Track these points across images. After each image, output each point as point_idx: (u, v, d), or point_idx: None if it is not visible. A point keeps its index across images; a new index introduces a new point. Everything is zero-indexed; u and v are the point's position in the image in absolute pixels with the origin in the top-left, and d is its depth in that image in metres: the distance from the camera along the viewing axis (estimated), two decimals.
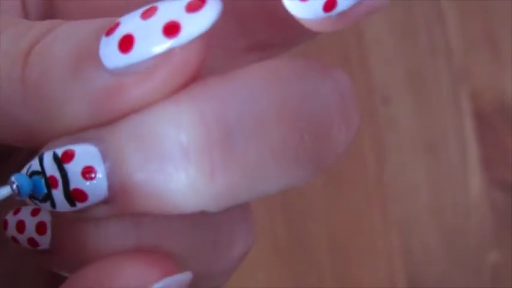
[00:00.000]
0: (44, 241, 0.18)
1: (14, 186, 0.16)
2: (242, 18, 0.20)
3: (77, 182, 0.16)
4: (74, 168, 0.16)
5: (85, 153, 0.16)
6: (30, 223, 0.18)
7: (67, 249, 0.18)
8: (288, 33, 0.20)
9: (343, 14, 0.16)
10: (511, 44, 0.63)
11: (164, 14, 0.16)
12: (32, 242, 0.18)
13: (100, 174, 0.16)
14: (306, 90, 0.17)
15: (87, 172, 0.16)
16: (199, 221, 0.18)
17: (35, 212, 0.18)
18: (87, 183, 0.16)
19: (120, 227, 0.17)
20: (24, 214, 0.18)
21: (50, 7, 0.20)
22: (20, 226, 0.18)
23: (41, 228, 0.18)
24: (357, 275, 0.59)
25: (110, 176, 0.16)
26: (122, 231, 0.17)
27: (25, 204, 0.18)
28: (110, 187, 0.16)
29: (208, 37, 0.16)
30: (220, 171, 0.16)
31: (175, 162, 0.16)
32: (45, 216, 0.18)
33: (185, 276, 0.17)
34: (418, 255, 0.60)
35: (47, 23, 0.17)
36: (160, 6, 0.16)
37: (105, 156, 0.16)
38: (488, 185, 0.61)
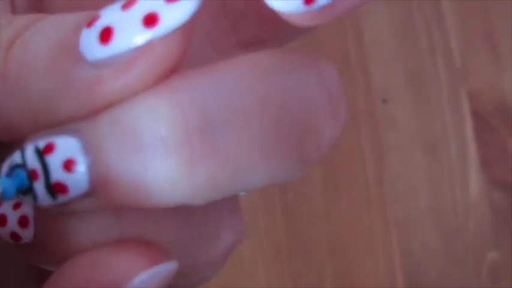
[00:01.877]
0: (27, 235, 0.18)
1: (5, 182, 0.16)
2: (232, 15, 0.20)
3: (58, 174, 0.16)
4: (54, 161, 0.16)
5: (66, 146, 0.16)
6: (12, 217, 0.18)
7: (50, 243, 0.18)
8: (279, 28, 0.20)
9: (325, 7, 0.16)
10: (510, 44, 0.63)
11: (143, 6, 0.16)
12: (14, 235, 0.18)
13: (81, 167, 0.16)
14: (291, 83, 0.17)
15: (68, 164, 0.16)
16: (184, 214, 0.18)
17: (16, 206, 0.18)
18: (68, 175, 0.16)
19: (103, 221, 0.17)
20: (6, 208, 0.18)
21: (39, 4, 0.20)
22: (2, 220, 0.18)
23: (23, 221, 0.18)
24: (356, 275, 0.59)
25: (91, 168, 0.16)
26: (104, 225, 0.17)
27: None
28: (91, 180, 0.16)
29: (188, 28, 0.16)
30: (200, 163, 0.16)
31: (155, 153, 0.16)
32: (27, 210, 0.18)
33: (171, 265, 0.17)
34: (418, 255, 0.60)
35: (27, 17, 0.17)
36: None
37: (86, 149, 0.16)
38: (488, 185, 0.61)
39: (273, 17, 0.18)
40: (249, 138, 0.16)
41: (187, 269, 0.18)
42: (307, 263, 0.59)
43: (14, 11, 0.20)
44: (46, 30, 0.17)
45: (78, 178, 0.16)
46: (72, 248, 0.17)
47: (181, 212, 0.18)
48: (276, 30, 0.19)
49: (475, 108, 0.62)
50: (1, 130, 0.17)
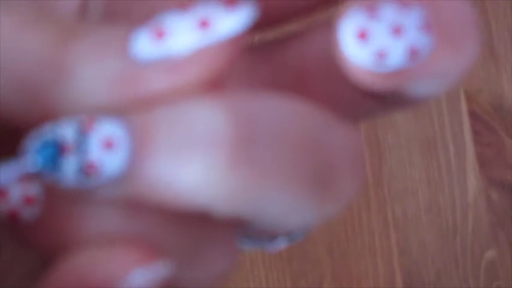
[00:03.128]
0: (30, 214, 0.18)
1: (32, 159, 0.16)
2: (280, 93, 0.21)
3: (94, 155, 0.16)
4: (93, 141, 0.16)
5: (107, 128, 0.16)
6: (16, 195, 0.18)
7: (55, 227, 0.18)
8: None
9: (396, 72, 0.17)
10: (508, 45, 0.63)
11: (200, 11, 0.16)
12: (14, 215, 0.18)
13: (120, 150, 0.16)
14: (323, 131, 0.18)
15: (109, 144, 0.16)
16: (192, 225, 0.18)
17: (24, 183, 0.18)
18: (107, 156, 0.16)
19: (116, 214, 0.18)
20: (10, 184, 0.18)
21: (112, 9, 0.20)
22: (3, 194, 0.18)
23: (29, 201, 0.18)
24: (356, 274, 0.60)
25: (130, 155, 0.16)
26: (117, 218, 0.18)
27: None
28: (127, 166, 0.16)
29: (241, 40, 0.16)
30: (238, 167, 0.16)
31: (203, 150, 0.16)
32: (34, 190, 0.18)
33: (167, 268, 0.17)
34: (416, 254, 0.61)
35: (88, 25, 0.18)
36: (198, 3, 0.17)
37: (128, 135, 0.16)
38: (486, 185, 0.62)
39: (316, 100, 0.19)
40: (281, 160, 0.17)
41: (176, 281, 0.18)
42: (307, 263, 0.59)
43: (83, 12, 0.20)
44: (100, 27, 0.17)
45: (115, 161, 0.16)
46: (78, 234, 0.17)
47: (190, 224, 0.18)
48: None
49: (472, 109, 0.63)
50: (41, 117, 0.17)
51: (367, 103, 0.18)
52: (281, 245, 0.22)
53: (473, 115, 0.62)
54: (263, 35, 0.20)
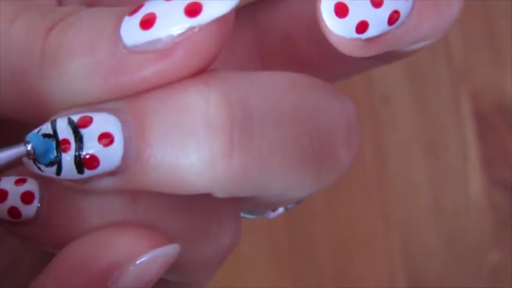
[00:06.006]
0: (29, 212, 0.18)
1: (29, 146, 0.16)
2: (265, 55, 0.21)
3: (91, 147, 0.16)
4: (90, 133, 0.16)
5: (103, 120, 0.16)
6: (15, 192, 0.18)
7: (56, 221, 0.18)
8: (308, 73, 0.21)
9: (370, 39, 0.17)
10: (511, 44, 0.63)
11: None
12: (13, 212, 0.18)
13: (117, 141, 0.16)
14: (319, 104, 0.18)
15: (104, 137, 0.16)
16: (194, 207, 0.18)
17: (20, 181, 0.18)
18: (102, 149, 0.16)
19: (118, 202, 0.18)
20: (7, 183, 0.18)
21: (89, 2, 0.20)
22: (2, 195, 0.18)
23: (27, 197, 0.18)
24: (357, 275, 0.59)
25: (127, 144, 0.16)
26: (119, 206, 0.18)
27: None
28: (125, 156, 0.16)
29: (228, 22, 0.16)
30: (237, 151, 0.16)
31: (200, 135, 0.16)
32: (32, 186, 0.18)
33: (173, 249, 0.17)
34: (418, 255, 0.60)
35: (70, 7, 0.18)
36: None
37: (124, 125, 0.16)
38: (488, 185, 0.61)
39: (303, 60, 0.19)
40: (279, 140, 0.17)
41: (185, 263, 0.18)
42: (307, 263, 0.59)
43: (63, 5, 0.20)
44: (89, 16, 0.17)
45: (112, 152, 0.16)
46: (80, 227, 0.17)
47: (193, 205, 0.18)
48: (304, 73, 0.20)
49: (475, 108, 0.62)
50: (33, 109, 0.17)
51: (355, 60, 0.18)
52: (280, 212, 0.22)
53: (476, 115, 0.62)
54: None
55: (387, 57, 0.19)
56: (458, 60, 0.63)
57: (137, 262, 0.17)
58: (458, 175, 0.62)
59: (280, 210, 0.22)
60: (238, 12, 0.19)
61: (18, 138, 0.17)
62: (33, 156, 0.16)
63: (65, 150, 0.16)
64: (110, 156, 0.16)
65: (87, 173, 0.17)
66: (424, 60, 0.63)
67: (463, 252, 0.61)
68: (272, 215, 0.22)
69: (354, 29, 0.17)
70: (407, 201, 0.61)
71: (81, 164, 0.16)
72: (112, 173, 0.17)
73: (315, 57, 0.20)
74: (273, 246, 0.59)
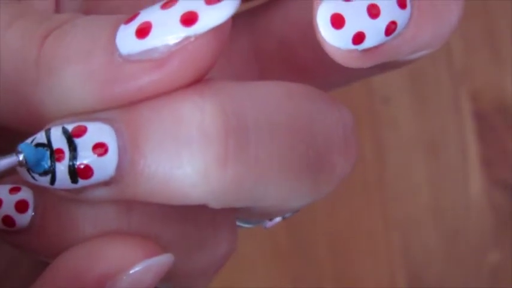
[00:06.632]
0: (23, 220, 0.18)
1: (21, 156, 0.16)
2: (262, 60, 0.21)
3: (85, 156, 0.16)
4: (84, 143, 0.16)
5: (98, 130, 0.16)
6: (9, 201, 0.18)
7: (49, 230, 0.18)
8: (304, 78, 0.20)
9: (367, 50, 0.17)
10: (511, 44, 0.63)
11: (183, 5, 0.16)
12: (8, 220, 0.18)
13: (111, 151, 0.16)
14: (315, 113, 0.17)
15: (99, 147, 0.16)
16: (189, 217, 0.18)
17: (14, 190, 0.18)
18: (96, 159, 0.16)
19: (112, 211, 0.18)
20: (0, 191, 0.18)
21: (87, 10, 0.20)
22: None
23: (21, 206, 0.18)
24: (357, 275, 0.59)
25: (121, 154, 0.16)
26: (113, 216, 0.18)
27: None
28: (119, 166, 0.16)
29: (224, 32, 0.16)
30: (232, 162, 0.16)
31: (194, 145, 0.16)
32: (26, 194, 0.18)
33: (166, 258, 0.17)
34: (418, 255, 0.60)
35: (66, 14, 0.18)
36: None
37: (119, 135, 0.16)
38: (488, 185, 0.61)
39: (301, 67, 0.18)
40: (275, 150, 0.17)
41: (181, 272, 0.18)
42: (307, 263, 0.59)
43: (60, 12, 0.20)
44: (84, 25, 0.17)
45: (106, 162, 0.16)
46: (74, 236, 0.17)
47: (187, 215, 0.18)
48: (302, 80, 0.20)
49: (475, 108, 0.62)
50: (27, 117, 0.17)
51: (354, 68, 0.18)
52: (277, 221, 0.22)
53: (476, 115, 0.62)
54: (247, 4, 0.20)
55: (386, 66, 0.19)
56: (458, 60, 0.63)
57: (131, 272, 0.17)
58: (458, 175, 0.62)
59: (278, 219, 0.22)
60: (235, 18, 0.19)
61: (13, 146, 0.17)
62: (26, 166, 0.16)
63: (59, 160, 0.16)
64: (104, 166, 0.16)
65: (81, 182, 0.16)
66: (424, 60, 0.63)
67: (463, 252, 0.61)
68: (269, 224, 0.21)
69: (350, 40, 0.17)
70: (407, 202, 0.61)
71: (75, 173, 0.16)
72: (106, 183, 0.17)
73: (313, 63, 0.20)
74: (273, 246, 0.59)
